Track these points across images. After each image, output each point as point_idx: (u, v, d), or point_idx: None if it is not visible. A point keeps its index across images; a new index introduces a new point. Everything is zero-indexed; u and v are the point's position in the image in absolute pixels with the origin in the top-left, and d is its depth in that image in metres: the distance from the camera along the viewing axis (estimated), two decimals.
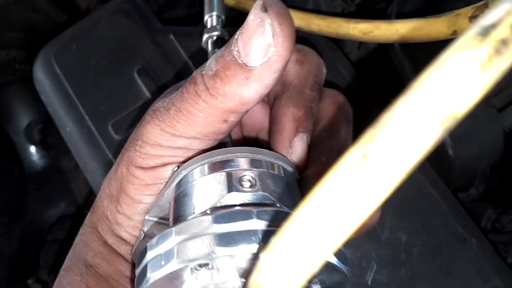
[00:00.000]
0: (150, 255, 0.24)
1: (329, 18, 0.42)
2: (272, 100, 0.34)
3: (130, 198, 0.30)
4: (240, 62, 0.25)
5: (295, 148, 0.31)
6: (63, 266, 0.33)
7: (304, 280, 0.17)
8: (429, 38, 0.35)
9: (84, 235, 0.34)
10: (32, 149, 0.75)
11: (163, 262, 0.23)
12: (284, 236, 0.17)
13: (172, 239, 0.24)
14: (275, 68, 0.25)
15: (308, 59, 0.34)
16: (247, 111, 0.27)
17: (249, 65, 0.25)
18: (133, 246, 0.32)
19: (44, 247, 0.59)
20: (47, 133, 0.69)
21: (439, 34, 0.34)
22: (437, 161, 0.48)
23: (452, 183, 0.48)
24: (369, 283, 0.42)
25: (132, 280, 0.33)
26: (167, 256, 0.23)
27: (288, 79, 0.33)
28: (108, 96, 0.45)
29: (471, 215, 0.47)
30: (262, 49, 0.25)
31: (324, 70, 0.35)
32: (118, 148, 0.45)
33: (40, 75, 0.47)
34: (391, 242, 0.43)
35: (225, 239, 0.22)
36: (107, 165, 0.45)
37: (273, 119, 0.33)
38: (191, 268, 0.23)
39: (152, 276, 0.23)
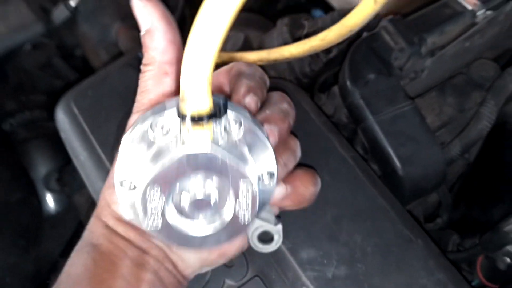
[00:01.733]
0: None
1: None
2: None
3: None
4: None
5: (247, 103, 0.38)
6: (73, 250, 0.42)
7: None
8: None
9: (89, 225, 0.43)
10: (49, 196, 0.86)
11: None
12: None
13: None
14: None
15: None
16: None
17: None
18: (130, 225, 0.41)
19: (56, 272, 0.67)
20: (63, 176, 0.79)
21: None
22: (389, 182, 0.58)
23: (403, 200, 0.57)
24: (330, 277, 0.50)
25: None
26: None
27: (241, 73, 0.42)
28: (119, 130, 0.56)
29: (437, 242, 0.55)
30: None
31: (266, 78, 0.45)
32: None
33: (61, 115, 0.59)
34: (348, 243, 0.51)
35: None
36: None
37: (231, 93, 0.41)
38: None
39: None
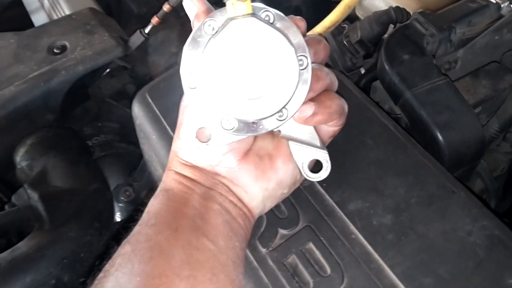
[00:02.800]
0: None
1: None
2: None
3: (182, 124, 0.47)
4: None
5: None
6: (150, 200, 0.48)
7: None
8: None
9: (163, 178, 0.50)
10: (117, 206, 0.95)
11: None
12: None
13: None
14: None
15: None
16: None
17: None
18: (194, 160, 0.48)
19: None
20: (133, 174, 0.88)
21: None
22: (430, 151, 0.62)
23: (443, 166, 0.60)
24: (377, 225, 0.53)
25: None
26: None
27: None
28: None
29: None
30: None
31: None
32: None
33: (137, 105, 0.69)
34: (392, 195, 0.55)
35: None
36: None
37: None
38: None
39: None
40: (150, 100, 0.69)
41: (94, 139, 1.01)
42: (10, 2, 1.09)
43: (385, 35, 0.75)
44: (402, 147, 0.58)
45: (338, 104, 0.47)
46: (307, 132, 0.48)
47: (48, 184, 0.76)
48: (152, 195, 0.49)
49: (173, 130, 0.65)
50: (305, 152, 0.48)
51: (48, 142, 0.84)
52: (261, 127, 0.44)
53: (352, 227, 0.54)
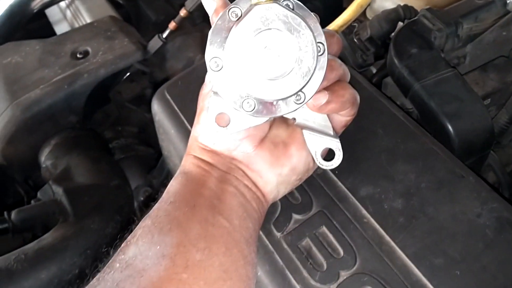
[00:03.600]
0: None
1: None
2: None
3: (203, 110, 0.50)
4: None
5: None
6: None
7: None
8: None
9: (182, 162, 0.52)
10: (136, 208, 0.97)
11: None
12: None
13: None
14: None
15: None
16: None
17: None
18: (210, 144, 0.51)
19: None
20: (153, 171, 0.91)
21: None
22: (438, 136, 0.63)
23: (453, 154, 0.62)
24: (388, 209, 0.55)
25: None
26: None
27: None
28: None
29: None
30: None
31: None
32: None
33: (157, 102, 0.72)
34: (402, 180, 0.56)
35: None
36: None
37: None
38: None
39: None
40: (168, 97, 0.72)
41: (114, 142, 1.05)
42: (34, 14, 1.14)
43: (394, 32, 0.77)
44: (412, 135, 0.60)
45: (350, 93, 0.49)
46: (321, 121, 0.51)
47: (72, 180, 0.79)
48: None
49: (191, 124, 0.68)
50: (319, 141, 0.50)
51: (71, 142, 0.88)
52: (279, 109, 0.46)
53: (364, 211, 0.55)
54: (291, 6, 0.44)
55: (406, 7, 0.75)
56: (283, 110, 0.46)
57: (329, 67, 0.46)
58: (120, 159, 1.01)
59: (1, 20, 1.11)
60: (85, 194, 0.76)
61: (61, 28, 1.22)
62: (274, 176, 0.51)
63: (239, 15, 0.44)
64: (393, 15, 0.75)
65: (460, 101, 0.62)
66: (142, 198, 0.97)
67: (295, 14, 0.43)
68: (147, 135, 1.10)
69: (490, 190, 0.55)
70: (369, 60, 0.76)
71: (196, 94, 0.71)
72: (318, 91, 0.45)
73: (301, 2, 0.45)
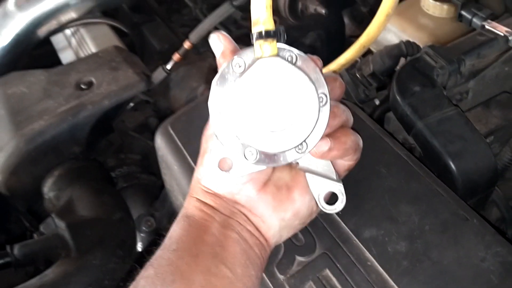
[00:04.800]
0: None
1: None
2: None
3: (206, 152, 0.50)
4: None
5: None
6: (172, 225, 0.51)
7: None
8: None
9: (184, 203, 0.52)
10: (138, 237, 0.97)
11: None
12: None
13: None
14: None
15: None
16: None
17: None
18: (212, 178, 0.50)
19: None
20: (155, 204, 0.91)
21: None
22: (443, 180, 0.63)
23: (457, 194, 0.62)
24: (392, 252, 0.54)
25: None
26: None
27: None
28: None
29: None
30: None
31: None
32: None
33: (160, 136, 0.73)
34: (406, 222, 0.56)
35: None
36: None
37: None
38: None
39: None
40: (172, 132, 0.72)
41: (117, 170, 1.05)
42: (39, 41, 1.15)
43: (397, 67, 0.78)
44: (415, 176, 0.60)
45: (353, 140, 0.49)
46: (324, 165, 0.51)
47: (75, 214, 0.79)
48: (173, 222, 0.51)
49: (194, 161, 0.68)
50: (322, 184, 0.50)
51: (74, 173, 0.88)
52: (281, 159, 0.47)
53: (368, 254, 0.55)
54: (293, 59, 0.45)
55: (408, 43, 0.76)
56: (285, 159, 0.47)
57: (332, 114, 0.46)
58: (122, 188, 1.01)
59: (6, 48, 1.12)
60: (87, 229, 0.76)
61: (65, 55, 1.23)
62: (277, 221, 0.51)
63: (243, 67, 0.44)
64: (396, 51, 0.75)
65: (463, 141, 0.62)
66: (144, 228, 0.97)
67: (297, 68, 0.44)
68: (150, 162, 1.10)
69: (495, 233, 0.55)
70: (372, 95, 0.77)
71: (199, 130, 0.71)
72: (320, 139, 0.46)
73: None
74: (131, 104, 1.00)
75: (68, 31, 1.21)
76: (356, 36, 1.12)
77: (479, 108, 0.72)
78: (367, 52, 0.88)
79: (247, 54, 0.45)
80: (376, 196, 0.59)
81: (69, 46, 1.23)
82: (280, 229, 0.51)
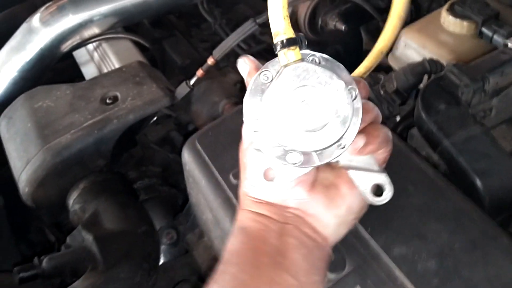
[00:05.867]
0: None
1: None
2: None
3: (247, 166, 0.51)
4: None
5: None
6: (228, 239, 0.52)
7: None
8: None
9: (237, 218, 0.53)
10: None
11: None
12: None
13: None
14: None
15: None
16: None
17: None
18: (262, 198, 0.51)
19: None
20: (179, 217, 0.92)
21: None
22: (468, 193, 0.64)
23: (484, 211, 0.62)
24: (422, 271, 0.55)
25: None
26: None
27: None
28: (231, 158, 0.70)
29: None
30: None
31: None
32: (236, 189, 0.67)
33: (187, 151, 0.74)
34: (435, 240, 0.57)
35: None
36: (228, 201, 0.67)
37: None
38: None
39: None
40: (199, 147, 0.74)
41: (138, 182, 1.06)
42: (62, 55, 1.18)
43: (421, 85, 0.79)
44: (443, 193, 0.61)
45: (384, 132, 0.51)
46: (363, 160, 0.52)
47: (101, 226, 0.80)
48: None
49: (222, 176, 0.70)
50: (366, 178, 0.51)
51: (99, 186, 0.89)
52: (323, 158, 0.48)
53: (398, 272, 0.56)
54: (317, 61, 0.47)
55: (432, 61, 0.77)
56: (326, 157, 0.48)
57: (364, 110, 0.47)
58: (144, 200, 1.02)
59: (31, 62, 1.14)
60: (114, 242, 0.77)
61: (88, 70, 1.25)
62: (332, 218, 0.51)
63: (271, 77, 0.46)
64: (419, 69, 0.76)
65: (489, 159, 0.63)
66: (165, 240, 0.98)
67: (322, 67, 0.46)
68: (170, 174, 1.11)
69: None
70: (395, 112, 0.78)
71: (227, 145, 0.73)
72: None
73: (324, 47, 0.48)
74: (155, 118, 1.02)
75: (90, 46, 1.23)
76: None
77: (504, 125, 0.72)
78: (390, 69, 0.89)
79: (273, 66, 0.47)
80: (404, 214, 0.60)
81: (92, 60, 1.25)
82: (336, 226, 0.52)
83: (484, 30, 0.88)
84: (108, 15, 1.16)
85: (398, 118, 0.84)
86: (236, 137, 0.71)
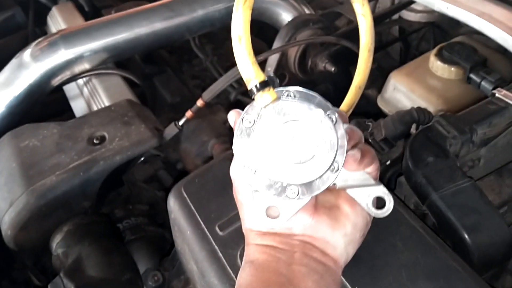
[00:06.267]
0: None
1: None
2: None
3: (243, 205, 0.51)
4: None
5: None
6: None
7: None
8: None
9: (244, 253, 0.52)
10: None
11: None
12: None
13: None
14: None
15: None
16: None
17: None
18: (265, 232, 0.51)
19: None
20: (163, 263, 0.90)
21: None
22: (458, 253, 0.63)
23: (472, 267, 0.61)
24: None
25: None
26: None
27: None
28: (217, 208, 0.69)
29: None
30: None
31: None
32: (222, 242, 0.66)
33: (173, 199, 0.73)
34: None
35: None
36: (213, 254, 0.65)
37: None
38: None
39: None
40: (185, 195, 0.72)
41: (124, 222, 1.04)
42: (52, 90, 1.17)
43: (411, 131, 0.78)
44: (432, 250, 0.60)
45: (371, 149, 0.52)
46: (359, 176, 0.52)
47: (83, 274, 0.78)
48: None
49: (208, 226, 0.68)
50: (365, 193, 0.51)
51: (83, 230, 0.87)
52: (321, 184, 0.48)
53: None
54: (292, 95, 0.48)
55: (420, 110, 0.77)
56: (324, 184, 0.48)
57: (350, 130, 0.49)
58: (129, 241, 1.00)
59: (20, 98, 1.13)
60: None
61: (77, 104, 1.24)
62: (340, 238, 0.51)
63: (252, 120, 0.48)
64: (408, 118, 0.76)
65: (478, 214, 0.62)
66: (151, 283, 0.95)
67: (298, 100, 0.48)
68: (157, 212, 1.09)
69: None
70: (384, 159, 0.77)
71: (213, 194, 0.72)
72: (348, 152, 0.48)
73: (314, 86, 0.49)
74: (142, 158, 1.00)
75: (80, 80, 1.23)
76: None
77: (492, 176, 0.72)
78: (378, 116, 0.89)
79: (252, 109, 0.49)
80: (392, 271, 0.59)
81: (81, 95, 1.24)
82: (345, 245, 0.51)
83: (472, 77, 0.89)
84: (99, 50, 1.17)
85: (388, 162, 0.83)
86: (223, 185, 0.70)
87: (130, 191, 1.10)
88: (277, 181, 0.48)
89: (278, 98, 0.48)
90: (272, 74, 0.49)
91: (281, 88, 0.49)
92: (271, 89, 0.48)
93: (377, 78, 1.14)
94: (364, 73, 0.62)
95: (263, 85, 0.48)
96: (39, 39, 1.16)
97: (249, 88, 0.48)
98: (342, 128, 0.48)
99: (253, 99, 0.49)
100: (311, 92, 0.49)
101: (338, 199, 0.53)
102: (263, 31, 1.28)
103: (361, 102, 0.94)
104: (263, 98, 0.48)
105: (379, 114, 1.01)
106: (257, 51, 0.54)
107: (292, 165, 0.47)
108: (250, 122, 0.48)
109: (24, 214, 0.86)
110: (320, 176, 0.48)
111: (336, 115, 0.48)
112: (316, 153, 0.47)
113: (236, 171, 0.53)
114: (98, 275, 0.78)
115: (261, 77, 0.49)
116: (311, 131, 0.47)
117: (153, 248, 1.01)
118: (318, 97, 0.49)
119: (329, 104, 0.49)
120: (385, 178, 0.80)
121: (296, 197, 0.48)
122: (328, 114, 0.48)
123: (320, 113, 0.47)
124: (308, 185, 0.48)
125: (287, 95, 0.48)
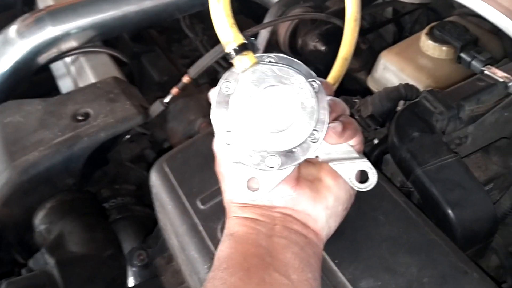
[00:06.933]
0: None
1: None
2: None
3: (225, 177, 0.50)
4: None
5: None
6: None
7: None
8: None
9: (225, 226, 0.51)
10: (130, 270, 0.95)
11: None
12: None
13: None
14: None
15: None
16: None
17: None
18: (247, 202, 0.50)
19: None
20: (147, 240, 0.89)
21: None
22: (442, 228, 0.62)
23: (456, 243, 0.60)
24: None
25: None
26: None
27: None
28: (199, 182, 0.68)
29: None
30: None
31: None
32: (203, 216, 0.65)
33: (155, 174, 0.72)
34: (404, 274, 0.55)
35: None
36: (193, 228, 0.64)
37: None
38: None
39: None
40: (167, 169, 0.71)
41: (111, 201, 1.03)
42: (38, 68, 1.15)
43: (397, 108, 0.77)
44: (414, 224, 0.59)
45: (354, 121, 0.51)
46: (343, 149, 0.50)
47: (65, 249, 0.77)
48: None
49: (189, 201, 0.67)
50: (348, 167, 0.50)
51: (67, 206, 0.86)
52: (301, 154, 0.47)
53: None
54: (273, 61, 0.47)
55: (408, 87, 0.76)
56: (304, 153, 0.47)
57: (332, 102, 0.48)
58: (115, 220, 0.99)
59: (5, 75, 1.11)
60: (77, 266, 0.74)
61: (64, 83, 1.22)
62: (321, 211, 0.50)
63: (232, 87, 0.46)
64: (395, 94, 0.75)
65: (462, 189, 0.61)
66: (136, 262, 0.94)
67: (280, 66, 0.46)
68: (145, 192, 1.08)
69: (495, 287, 0.53)
70: (370, 137, 0.76)
71: (195, 168, 0.71)
72: (330, 123, 0.47)
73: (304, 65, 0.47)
74: (128, 136, 0.99)
75: (67, 59, 1.21)
76: (356, 71, 1.12)
77: (479, 154, 0.71)
78: (367, 93, 0.88)
79: (231, 75, 0.46)
80: (374, 245, 0.58)
81: (68, 74, 1.22)
82: (327, 218, 0.51)
83: (463, 55, 0.87)
84: (87, 28, 1.15)
85: (376, 141, 0.82)
86: (206, 160, 0.69)
87: (117, 171, 1.09)
88: (256, 150, 0.46)
89: (258, 62, 0.46)
90: (253, 39, 0.47)
91: (262, 54, 0.47)
92: (251, 53, 0.46)
93: (369, 61, 1.12)
94: (351, 44, 0.61)
95: (242, 48, 0.46)
96: (25, 15, 1.14)
97: (227, 51, 0.47)
98: (324, 98, 0.47)
99: (232, 64, 0.47)
100: (295, 60, 0.47)
101: (320, 172, 0.52)
102: (252, 10, 1.26)
103: (351, 85, 0.92)
104: (241, 62, 0.46)
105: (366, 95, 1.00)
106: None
107: (270, 133, 0.46)
108: (229, 88, 0.46)
109: (7, 190, 0.85)
110: (300, 145, 0.47)
111: (318, 83, 0.47)
112: (295, 120, 0.46)
113: (218, 144, 0.51)
114: (80, 250, 0.77)
115: (240, 39, 0.47)
116: (291, 97, 0.46)
117: (140, 227, 1.00)
118: (303, 65, 0.47)
119: (313, 73, 0.47)
120: (372, 156, 0.79)
121: (276, 168, 0.47)
122: (310, 81, 0.46)
123: (301, 79, 0.46)
124: (288, 155, 0.47)
125: (269, 60, 0.47)
